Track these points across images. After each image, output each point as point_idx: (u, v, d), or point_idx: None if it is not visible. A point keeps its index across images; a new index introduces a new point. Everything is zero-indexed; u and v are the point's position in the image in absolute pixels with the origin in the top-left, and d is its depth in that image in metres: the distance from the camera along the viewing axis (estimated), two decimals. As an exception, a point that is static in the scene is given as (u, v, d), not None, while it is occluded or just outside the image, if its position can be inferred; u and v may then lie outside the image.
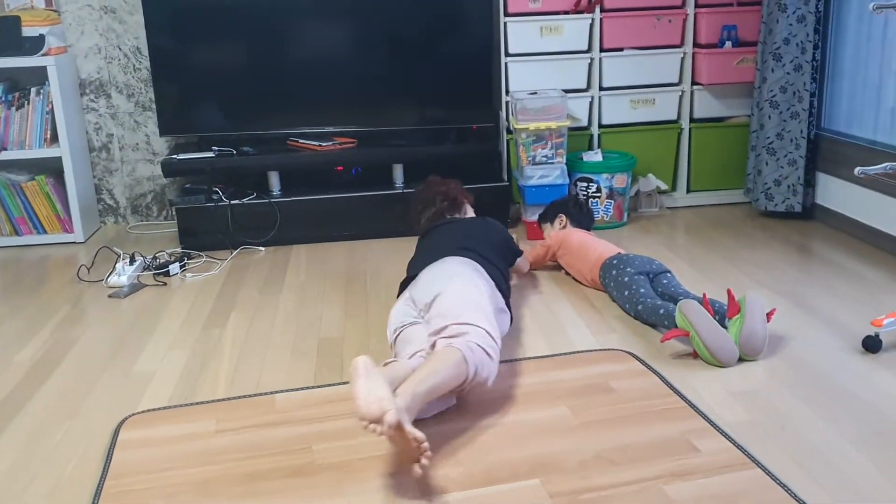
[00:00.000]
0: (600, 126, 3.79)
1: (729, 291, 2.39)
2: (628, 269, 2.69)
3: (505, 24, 3.63)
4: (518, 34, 3.65)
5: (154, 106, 3.80)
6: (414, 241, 2.81)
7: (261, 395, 2.18)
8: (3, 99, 3.55)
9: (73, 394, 2.25)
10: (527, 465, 1.80)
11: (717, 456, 1.80)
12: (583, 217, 3.21)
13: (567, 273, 3.05)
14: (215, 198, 3.47)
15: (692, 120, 3.84)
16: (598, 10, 3.66)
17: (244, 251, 3.47)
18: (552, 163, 3.48)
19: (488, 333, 2.01)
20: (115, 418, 2.09)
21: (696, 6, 3.71)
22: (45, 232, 3.70)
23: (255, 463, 1.83)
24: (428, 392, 1.84)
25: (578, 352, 2.37)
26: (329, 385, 2.24)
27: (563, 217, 3.18)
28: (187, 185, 3.57)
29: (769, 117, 3.56)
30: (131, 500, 1.73)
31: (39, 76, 3.57)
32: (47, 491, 1.78)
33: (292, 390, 2.20)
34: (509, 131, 3.71)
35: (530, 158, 3.48)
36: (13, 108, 3.56)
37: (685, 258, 3.21)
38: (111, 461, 1.87)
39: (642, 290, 2.59)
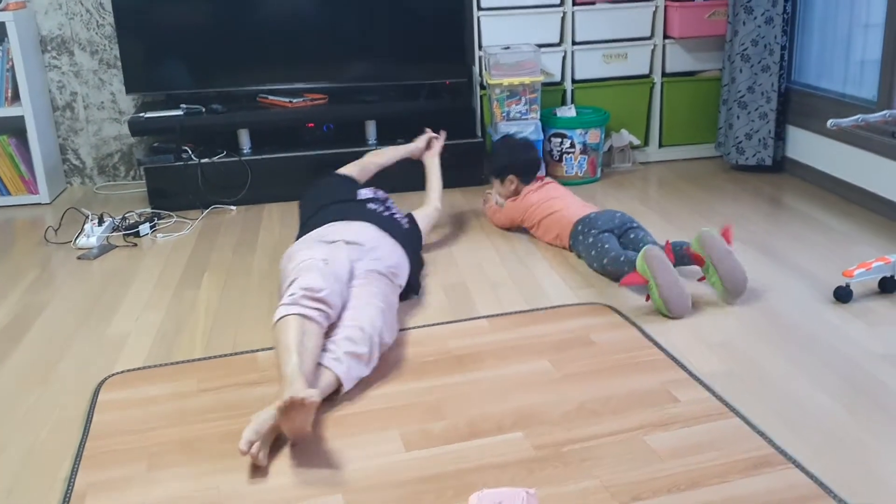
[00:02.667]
0: (573, 81, 3.77)
1: (667, 244, 2.42)
2: (592, 231, 2.67)
3: (477, -24, 3.57)
4: (490, -13, 3.60)
5: (119, 63, 3.70)
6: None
7: (241, 353, 2.17)
8: (-39, 56, 3.44)
9: (45, 358, 2.22)
10: (510, 418, 1.82)
11: (697, 406, 1.83)
12: (531, 168, 3.05)
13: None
14: (185, 157, 3.41)
15: (664, 74, 3.84)
16: (570, -38, 3.62)
17: (215, 210, 3.42)
18: (526, 118, 3.46)
19: (372, 359, 2.00)
20: (89, 381, 2.06)
21: (669, -42, 3.68)
22: (8, 194, 3.61)
23: (238, 422, 1.82)
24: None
25: (557, 306, 2.39)
26: (308, 343, 2.22)
27: (514, 178, 3.02)
28: (156, 145, 3.50)
29: (740, 71, 3.56)
30: (113, 460, 1.72)
31: (-2, 32, 3.45)
32: (22, 456, 1.76)
33: (271, 349, 2.19)
34: (482, 87, 3.67)
35: (504, 114, 3.46)
36: (-29, 66, 3.45)
37: (658, 212, 3.23)
38: (91, 423, 1.85)
39: (607, 246, 2.59)
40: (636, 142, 3.83)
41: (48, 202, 3.62)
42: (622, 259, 2.50)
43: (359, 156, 3.52)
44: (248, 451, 1.63)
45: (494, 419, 1.82)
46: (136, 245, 3.05)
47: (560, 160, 3.60)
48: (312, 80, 3.66)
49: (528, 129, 3.45)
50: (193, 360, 2.15)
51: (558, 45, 3.72)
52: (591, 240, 2.65)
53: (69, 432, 1.84)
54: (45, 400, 1.99)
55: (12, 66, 3.46)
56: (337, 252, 2.20)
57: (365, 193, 2.70)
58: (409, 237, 2.60)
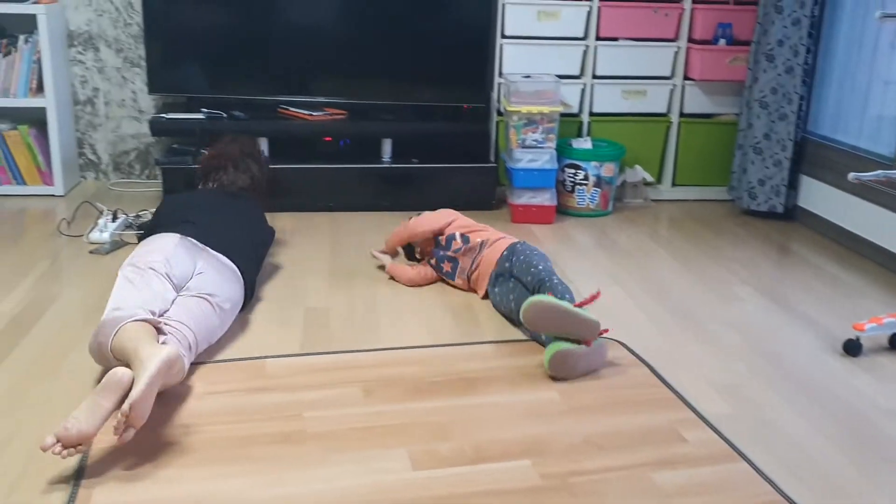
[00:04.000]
0: (591, 114, 3.81)
1: (598, 294, 2.25)
2: (495, 290, 2.55)
3: (503, 5, 3.62)
4: (515, 16, 3.64)
5: (143, 63, 3.73)
6: (400, 216, 2.81)
7: (250, 359, 2.18)
8: (-11, 44, 3.47)
9: (54, 350, 2.22)
10: (517, 445, 1.82)
11: (704, 447, 1.84)
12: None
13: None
14: (202, 160, 3.43)
15: (682, 114, 3.88)
16: (597, -2, 3.67)
17: (229, 216, 3.43)
18: (542, 147, 3.48)
19: (195, 344, 2.08)
20: (96, 378, 2.06)
21: (694, 2, 3.73)
22: (24, 183, 3.62)
23: (244, 427, 1.83)
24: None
25: (566, 337, 2.39)
26: (318, 353, 2.23)
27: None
28: (175, 146, 3.52)
29: (758, 117, 3.60)
30: (118, 458, 1.71)
31: (28, 24, 3.48)
32: (30, 447, 1.76)
33: (281, 356, 2.20)
34: (500, 113, 3.71)
35: (520, 141, 3.48)
36: (0, 55, 3.47)
37: (668, 250, 3.25)
38: (99, 419, 1.84)
39: (511, 297, 2.44)
40: (649, 178, 3.86)
41: (62, 194, 3.63)
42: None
43: (373, 173, 3.56)
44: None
45: (502, 445, 1.82)
46: (148, 244, 3.05)
47: (572, 191, 3.62)
48: (334, 94, 3.69)
49: (543, 157, 3.47)
50: (202, 363, 2.15)
51: (578, 77, 3.76)
52: (503, 289, 2.51)
53: (76, 426, 1.84)
54: (53, 392, 1.99)
55: (39, 59, 3.49)
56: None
57: None
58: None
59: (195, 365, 2.13)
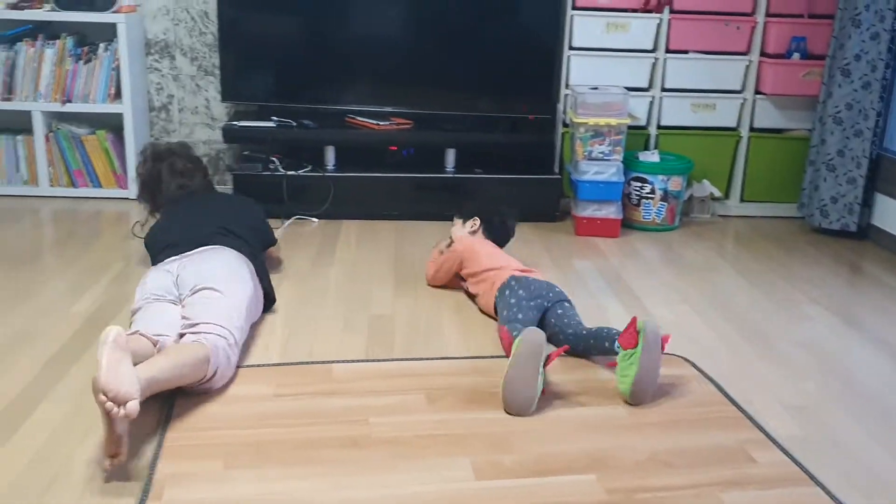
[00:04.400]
0: (659, 127, 3.77)
1: (633, 320, 2.13)
2: (520, 292, 2.42)
3: (572, 16, 3.61)
4: (584, 28, 3.63)
5: (217, 71, 3.82)
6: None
7: (317, 363, 2.21)
8: (73, 52, 3.59)
9: (130, 348, 2.28)
10: (582, 459, 1.81)
11: (774, 468, 1.80)
12: (498, 233, 2.89)
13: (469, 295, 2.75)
14: (272, 167, 3.50)
15: (752, 129, 3.81)
16: (667, 10, 3.63)
17: (297, 221, 3.49)
18: (608, 160, 3.46)
19: (235, 342, 2.06)
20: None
21: (767, 15, 3.67)
22: (100, 186, 3.75)
23: (312, 430, 1.86)
24: (166, 381, 1.83)
25: (631, 351, 2.37)
26: (383, 360, 2.25)
27: (478, 222, 2.88)
28: (246, 153, 3.60)
29: (832, 133, 3.51)
30: (190, 454, 1.76)
31: (108, 33, 3.60)
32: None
33: (348, 361, 2.22)
34: (565, 124, 3.70)
35: (587, 153, 3.47)
36: (81, 62, 3.60)
37: (734, 266, 3.19)
38: (171, 416, 1.89)
39: (520, 316, 2.32)
40: (717, 193, 3.80)
41: (135, 198, 3.73)
42: (514, 332, 2.15)
43: (437, 182, 3.58)
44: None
45: (565, 458, 1.81)
46: (218, 248, 3.13)
47: (638, 205, 3.59)
48: (400, 104, 3.73)
49: (610, 170, 3.45)
50: (270, 365, 2.19)
51: (647, 89, 3.73)
52: (512, 300, 2.40)
53: (148, 422, 1.89)
54: (127, 389, 2.05)
55: (118, 66, 3.61)
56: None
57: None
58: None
59: (266, 367, 2.17)
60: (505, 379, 1.98)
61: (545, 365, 2.03)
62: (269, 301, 2.53)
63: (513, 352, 2.00)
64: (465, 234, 2.85)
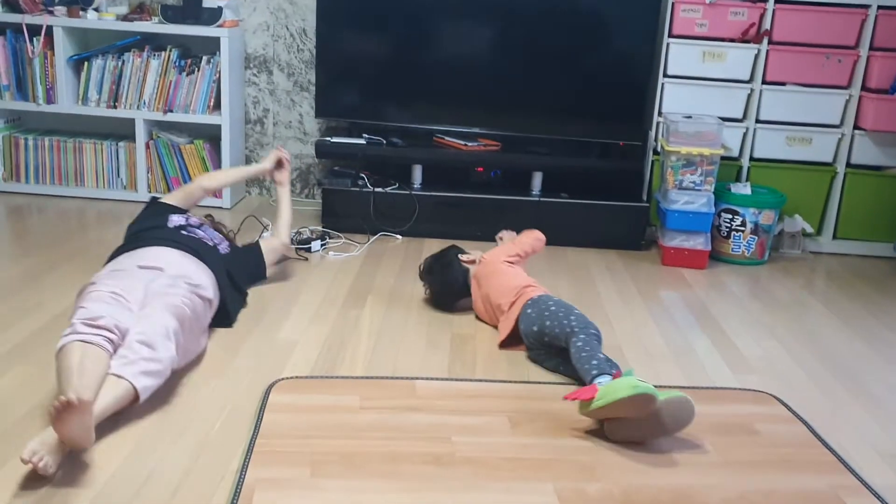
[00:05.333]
0: (751, 159, 3.69)
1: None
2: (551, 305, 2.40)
3: (668, 44, 3.58)
4: (679, 56, 3.60)
5: (311, 87, 3.92)
6: (548, 250, 2.79)
7: (401, 378, 2.23)
8: (177, 64, 3.74)
9: (222, 351, 2.35)
10: (667, 494, 1.77)
11: (870, 517, 1.73)
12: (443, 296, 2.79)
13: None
14: (360, 183, 3.56)
15: (848, 164, 3.70)
16: (765, 41, 3.57)
17: (382, 237, 3.54)
18: (699, 189, 3.41)
19: (167, 367, 1.99)
20: (260, 381, 2.17)
21: (871, 48, 3.56)
22: (195, 194, 3.87)
23: (397, 444, 1.87)
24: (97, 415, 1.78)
25: (719, 388, 2.32)
26: (466, 380, 2.26)
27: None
28: (336, 168, 3.67)
29: (936, 172, 3.39)
30: (279, 460, 1.79)
31: (211, 46, 3.74)
32: (197, 443, 1.86)
33: (431, 379, 2.24)
34: (656, 152, 3.66)
35: (677, 182, 3.42)
36: (184, 74, 3.74)
37: (825, 304, 3.10)
38: (261, 422, 1.94)
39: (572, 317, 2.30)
40: (809, 229, 3.70)
41: (229, 207, 3.86)
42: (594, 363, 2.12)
43: (522, 205, 3.58)
44: (28, 460, 1.61)
45: (650, 492, 1.78)
46: (307, 259, 3.20)
47: (728, 237, 3.52)
48: (489, 126, 3.76)
49: (700, 200, 3.39)
50: (356, 378, 2.22)
51: (741, 120, 3.66)
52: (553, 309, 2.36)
53: (240, 426, 1.94)
54: (219, 392, 2.11)
55: (219, 79, 3.74)
56: (129, 280, 2.16)
57: (176, 220, 2.65)
58: (228, 262, 2.61)
59: (352, 379, 2.20)
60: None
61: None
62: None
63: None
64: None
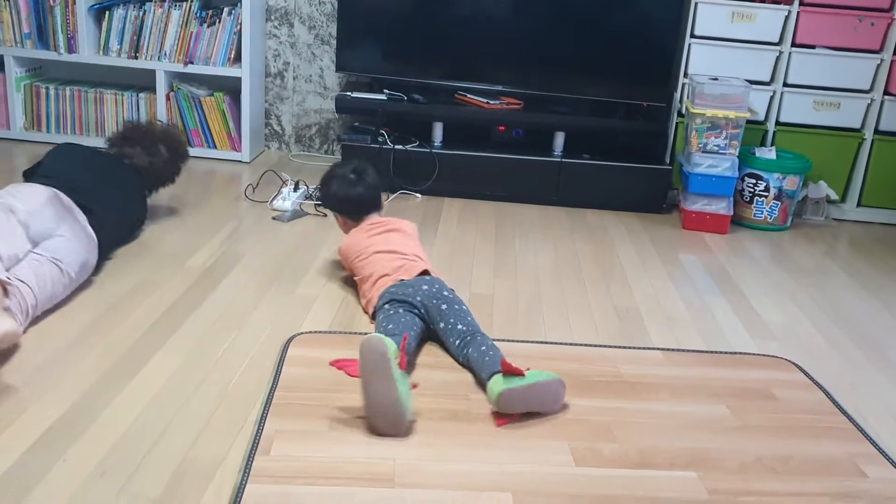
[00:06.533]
0: (777, 123, 3.63)
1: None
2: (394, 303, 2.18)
3: (696, 4, 3.51)
4: (708, 16, 3.52)
5: (332, 41, 3.88)
6: (566, 211, 2.77)
7: (419, 337, 2.23)
8: (198, 15, 3.71)
9: (240, 304, 2.36)
10: (683, 456, 1.78)
11: (887, 485, 1.73)
12: (358, 208, 2.57)
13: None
14: (380, 140, 3.54)
15: (877, 131, 3.63)
16: (796, 2, 3.49)
17: (401, 196, 3.53)
18: (724, 153, 3.36)
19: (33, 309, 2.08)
20: (278, 334, 2.18)
21: (905, 11, 3.48)
22: (215, 147, 3.87)
23: (414, 400, 1.87)
24: None
25: (738, 353, 2.31)
26: (484, 340, 2.26)
27: (338, 216, 2.64)
28: (356, 124, 3.65)
29: (966, 140, 3.32)
30: (297, 413, 1.80)
31: (233, -3, 3.70)
32: (216, 395, 1.88)
33: (448, 339, 2.24)
34: (681, 114, 3.61)
35: (701, 145, 3.37)
36: (205, 25, 3.71)
37: (848, 271, 3.07)
38: (280, 374, 1.95)
39: (390, 327, 2.07)
40: (833, 196, 3.65)
41: (248, 161, 3.85)
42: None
43: (543, 165, 3.55)
44: None
45: (667, 454, 1.78)
46: (325, 216, 3.19)
47: (751, 202, 3.48)
48: (512, 84, 3.71)
49: (724, 164, 3.35)
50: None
51: (768, 83, 3.60)
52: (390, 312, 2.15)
53: (258, 379, 1.95)
54: (238, 345, 2.12)
55: (240, 31, 3.70)
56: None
57: None
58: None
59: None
60: (364, 404, 1.76)
61: (401, 367, 1.80)
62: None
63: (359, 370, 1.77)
64: (345, 237, 2.56)
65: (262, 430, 1.73)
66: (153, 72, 3.76)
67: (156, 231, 2.89)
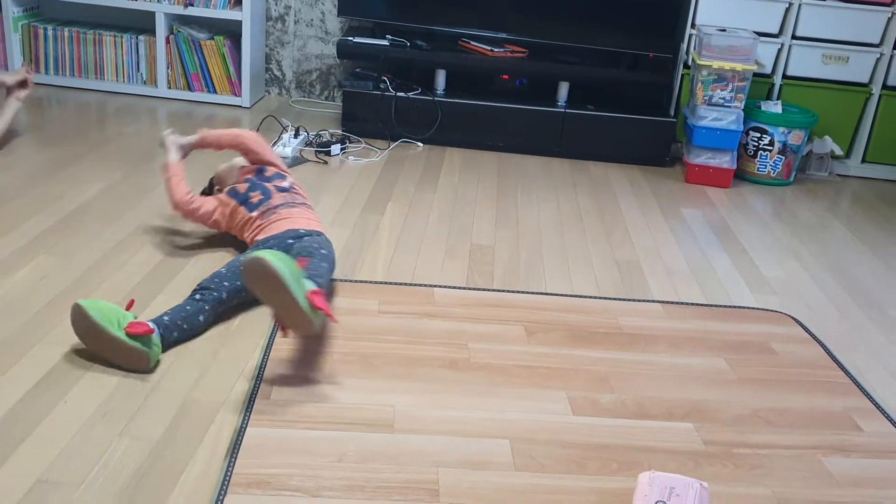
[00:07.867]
0: (784, 76, 3.59)
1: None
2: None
3: (706, -48, 3.44)
4: (717, -35, 3.46)
5: (335, -16, 3.81)
6: (569, 163, 2.76)
7: (420, 285, 2.23)
8: (197, -45, 3.63)
9: (240, 251, 2.35)
10: (681, 407, 1.79)
11: (881, 439, 1.75)
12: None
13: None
14: (382, 87, 3.49)
15: (885, 86, 3.59)
16: (809, -49, 3.42)
17: (402, 144, 3.50)
18: (729, 106, 3.33)
19: None
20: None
21: (920, -37, 3.41)
22: (215, 91, 3.82)
23: (414, 348, 1.89)
24: None
25: (737, 307, 2.31)
26: (483, 289, 2.26)
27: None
28: (358, 70, 3.60)
29: (975, 97, 3.28)
30: (297, 359, 1.81)
31: (233, -62, 3.62)
32: (217, 340, 1.88)
33: (449, 287, 2.24)
34: (686, 66, 3.56)
35: (706, 98, 3.34)
36: (205, -34, 3.64)
37: (850, 227, 3.06)
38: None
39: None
40: (838, 151, 3.62)
41: (248, 106, 3.81)
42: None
43: (546, 116, 3.51)
44: None
45: (664, 404, 1.80)
46: (326, 163, 3.17)
47: (754, 156, 3.45)
48: (516, 32, 3.65)
49: (729, 117, 3.32)
50: (375, 282, 2.23)
51: (776, 36, 3.54)
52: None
53: (260, 325, 1.96)
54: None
55: (241, -28, 3.63)
56: None
57: None
58: None
59: (372, 284, 2.21)
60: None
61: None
62: None
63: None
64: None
65: (261, 375, 1.74)
66: (153, 14, 3.69)
67: (154, 177, 2.86)
